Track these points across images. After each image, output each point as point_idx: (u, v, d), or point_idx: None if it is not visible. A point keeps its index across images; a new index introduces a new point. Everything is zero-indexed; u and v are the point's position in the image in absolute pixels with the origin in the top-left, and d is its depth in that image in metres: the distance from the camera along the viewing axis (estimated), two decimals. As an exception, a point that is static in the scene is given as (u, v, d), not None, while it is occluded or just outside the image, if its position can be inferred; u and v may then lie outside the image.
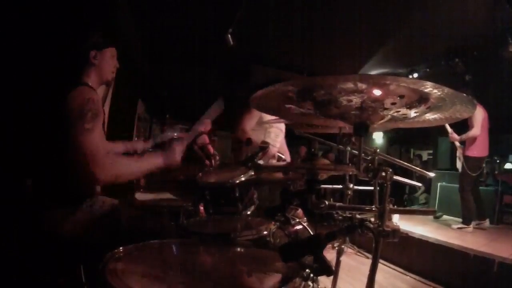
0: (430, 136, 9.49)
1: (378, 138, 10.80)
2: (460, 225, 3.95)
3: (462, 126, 4.07)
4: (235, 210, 1.71)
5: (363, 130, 0.91)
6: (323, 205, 0.88)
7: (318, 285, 1.10)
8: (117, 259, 0.93)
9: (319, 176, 0.96)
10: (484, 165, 4.16)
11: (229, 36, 4.55)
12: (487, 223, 4.12)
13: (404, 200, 7.04)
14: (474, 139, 3.96)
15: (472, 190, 4.06)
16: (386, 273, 3.23)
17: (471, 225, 3.90)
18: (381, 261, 3.02)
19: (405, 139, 10.87)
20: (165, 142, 2.65)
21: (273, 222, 1.43)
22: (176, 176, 2.55)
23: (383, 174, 0.83)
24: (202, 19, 4.51)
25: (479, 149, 4.00)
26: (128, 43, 4.71)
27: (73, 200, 1.38)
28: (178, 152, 1.47)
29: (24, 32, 2.01)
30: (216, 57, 5.68)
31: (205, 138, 1.74)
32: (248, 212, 1.77)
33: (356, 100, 0.83)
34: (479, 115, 3.91)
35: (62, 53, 1.92)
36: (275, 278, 0.86)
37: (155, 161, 1.42)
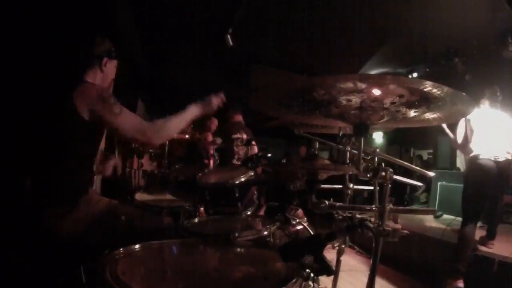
0: (430, 136, 9.48)
1: (378, 138, 10.80)
2: None
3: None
4: (235, 210, 1.71)
5: (363, 130, 0.91)
6: (323, 205, 0.88)
7: (318, 285, 1.10)
8: (117, 259, 0.93)
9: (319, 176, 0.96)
10: None
11: (229, 36, 4.54)
12: None
13: (404, 199, 7.03)
14: None
15: None
16: (386, 272, 3.22)
17: None
18: (381, 260, 3.02)
19: (405, 139, 10.85)
20: None
21: (272, 222, 1.43)
22: (176, 176, 2.55)
23: (383, 173, 0.82)
24: (202, 19, 4.50)
25: None
26: (128, 43, 4.71)
27: (69, 197, 1.38)
28: (214, 101, 1.67)
29: (22, 31, 2.00)
30: (216, 57, 5.67)
31: (208, 136, 1.78)
32: (248, 212, 1.77)
33: (355, 100, 0.83)
34: None
35: (63, 54, 1.91)
36: (275, 278, 0.86)
37: (193, 112, 1.60)
